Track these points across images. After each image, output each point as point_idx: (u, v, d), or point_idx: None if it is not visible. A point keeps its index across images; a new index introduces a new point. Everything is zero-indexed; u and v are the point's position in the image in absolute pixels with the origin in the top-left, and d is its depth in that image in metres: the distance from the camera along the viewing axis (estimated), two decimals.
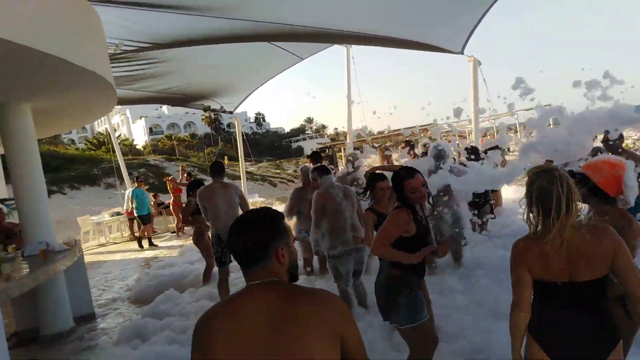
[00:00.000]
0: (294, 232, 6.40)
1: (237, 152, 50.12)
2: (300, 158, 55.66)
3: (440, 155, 5.20)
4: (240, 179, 14.82)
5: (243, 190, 6.76)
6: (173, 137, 59.23)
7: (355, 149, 11.12)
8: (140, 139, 66.35)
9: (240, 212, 5.23)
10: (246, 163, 38.26)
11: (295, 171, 34.52)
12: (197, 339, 1.41)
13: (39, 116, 5.55)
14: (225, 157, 39.00)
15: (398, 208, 2.90)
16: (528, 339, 2.09)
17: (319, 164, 5.53)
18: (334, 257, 4.47)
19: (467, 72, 8.47)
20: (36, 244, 4.94)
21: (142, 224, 10.76)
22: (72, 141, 61.14)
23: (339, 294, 4.60)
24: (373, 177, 4.11)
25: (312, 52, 10.66)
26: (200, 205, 5.34)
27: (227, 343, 1.34)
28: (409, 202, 2.88)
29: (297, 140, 71.54)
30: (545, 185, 1.93)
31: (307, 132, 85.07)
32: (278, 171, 33.28)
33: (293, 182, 29.74)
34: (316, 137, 73.42)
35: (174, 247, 10.28)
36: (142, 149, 52.85)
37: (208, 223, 5.63)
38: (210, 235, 6.10)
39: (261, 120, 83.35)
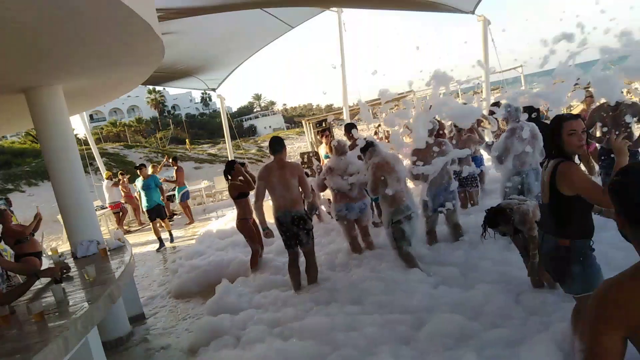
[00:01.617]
0: (331, 210, 6.12)
1: (187, 133, 48.20)
2: (257, 137, 54.51)
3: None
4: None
5: None
6: (118, 123, 55.95)
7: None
8: (80, 128, 62.06)
9: (299, 194, 4.88)
10: (204, 145, 36.91)
11: (258, 150, 33.74)
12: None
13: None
14: (187, 141, 37.36)
15: (563, 162, 2.58)
16: None
17: (366, 139, 5.24)
18: (399, 222, 4.82)
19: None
20: (87, 243, 4.41)
21: (159, 217, 9.15)
22: (4, 137, 56.28)
23: (400, 258, 4.87)
24: None
25: (302, 20, 10.21)
26: (257, 183, 4.95)
27: None
28: (568, 152, 2.64)
29: (249, 119, 69.84)
30: None
31: (255, 109, 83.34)
32: (241, 151, 32.47)
33: (262, 161, 29.06)
34: (268, 115, 72.20)
35: (183, 238, 9.74)
36: (82, 139, 49.48)
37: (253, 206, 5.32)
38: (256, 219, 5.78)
39: (207, 100, 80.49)
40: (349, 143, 6.07)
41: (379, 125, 14.03)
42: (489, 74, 8.72)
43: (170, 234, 9.39)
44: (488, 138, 7.37)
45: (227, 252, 6.91)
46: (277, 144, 4.92)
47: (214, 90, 12.37)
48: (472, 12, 8.03)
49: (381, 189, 4.89)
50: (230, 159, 6.78)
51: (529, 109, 5.39)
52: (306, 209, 5.08)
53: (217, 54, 10.50)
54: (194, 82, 11.77)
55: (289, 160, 5.05)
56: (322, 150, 8.57)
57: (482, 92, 10.15)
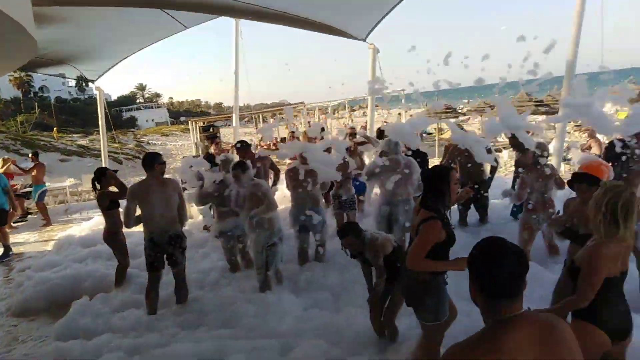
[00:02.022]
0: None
1: (56, 120, 43.24)
2: (136, 130, 50.88)
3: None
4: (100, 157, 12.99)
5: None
6: None
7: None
8: None
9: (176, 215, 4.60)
10: (75, 135, 33.37)
11: (137, 145, 31.43)
12: None
13: None
14: (55, 129, 33.17)
15: (432, 219, 2.81)
16: (590, 328, 2.40)
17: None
18: (274, 245, 4.88)
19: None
20: None
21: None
22: None
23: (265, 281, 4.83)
24: None
25: (198, 22, 9.81)
26: (127, 202, 4.59)
27: None
28: (449, 200, 2.93)
29: (130, 109, 64.88)
30: (628, 197, 2.25)
31: (138, 100, 77.94)
32: (117, 145, 29.90)
33: (139, 157, 27.09)
34: (152, 107, 67.85)
35: (33, 242, 8.59)
36: None
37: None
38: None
39: (83, 84, 73.01)
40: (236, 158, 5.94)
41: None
42: (374, 95, 9.18)
43: (6, 247, 7.75)
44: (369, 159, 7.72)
45: (87, 264, 6.25)
46: (151, 161, 4.55)
47: (92, 81, 11.25)
48: (364, 40, 8.44)
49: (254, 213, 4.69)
50: (101, 166, 6.14)
51: (417, 153, 5.82)
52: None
53: (100, 44, 9.59)
54: (69, 70, 10.61)
55: (167, 177, 4.75)
56: None
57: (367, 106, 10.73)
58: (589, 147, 8.32)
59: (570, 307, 2.43)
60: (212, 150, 9.56)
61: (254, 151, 7.17)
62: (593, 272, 2.31)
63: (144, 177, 4.64)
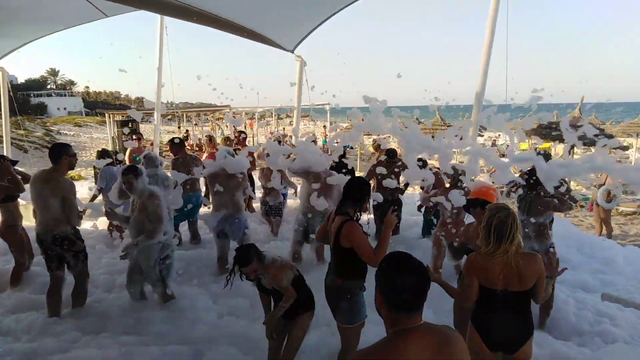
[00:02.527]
0: None
1: None
2: (45, 117, 46.92)
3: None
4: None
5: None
6: None
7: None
8: None
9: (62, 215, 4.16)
10: None
11: (46, 134, 29.06)
12: None
13: None
14: None
15: (350, 221, 3.06)
16: (471, 329, 2.73)
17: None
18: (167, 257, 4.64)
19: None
20: None
21: None
22: None
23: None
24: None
25: (120, 12, 9.39)
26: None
27: None
28: (361, 209, 3.19)
29: (40, 95, 59.66)
30: (503, 218, 2.57)
31: (49, 86, 72.00)
32: (22, 132, 27.39)
33: (47, 147, 25.07)
34: (65, 95, 62.94)
35: None
36: None
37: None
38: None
39: None
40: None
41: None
42: (300, 106, 9.39)
43: None
44: None
45: None
46: (55, 152, 4.22)
47: None
48: (292, 51, 8.60)
49: (147, 224, 4.30)
50: None
51: (340, 165, 6.04)
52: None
53: (5, 20, 8.81)
54: None
55: (61, 177, 4.28)
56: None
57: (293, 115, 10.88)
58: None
59: (454, 297, 2.87)
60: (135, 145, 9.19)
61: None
62: (465, 274, 2.72)
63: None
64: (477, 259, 2.66)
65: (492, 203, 2.94)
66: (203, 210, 6.90)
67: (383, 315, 1.74)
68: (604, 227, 8.50)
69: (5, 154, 9.30)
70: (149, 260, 4.38)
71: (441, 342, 1.67)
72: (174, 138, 6.67)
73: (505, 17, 5.97)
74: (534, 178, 4.05)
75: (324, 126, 27.88)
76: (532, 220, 4.15)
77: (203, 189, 7.24)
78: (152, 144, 9.66)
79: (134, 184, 4.28)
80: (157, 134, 11.06)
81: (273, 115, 33.68)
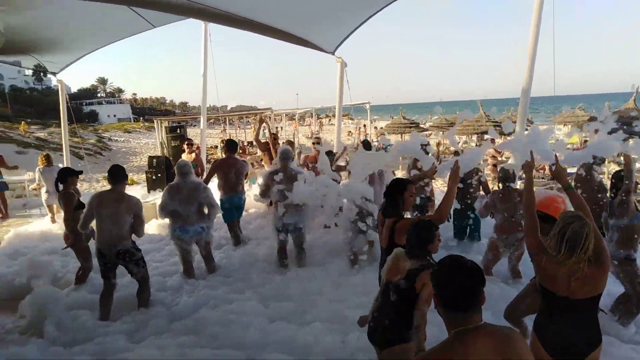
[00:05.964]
0: None
1: (10, 110, 41.24)
2: (97, 124, 49.25)
3: None
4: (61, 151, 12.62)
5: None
6: None
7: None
8: None
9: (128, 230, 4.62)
10: (32, 127, 31.98)
11: (98, 141, 30.47)
12: None
13: None
14: (23, 123, 31.09)
15: (403, 218, 3.25)
16: (533, 338, 2.66)
17: None
18: None
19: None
20: None
21: None
22: None
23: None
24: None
25: (166, 21, 9.74)
26: (87, 209, 4.70)
27: None
28: (404, 209, 3.30)
29: (91, 104, 62.68)
30: (577, 229, 2.44)
31: (99, 94, 75.51)
32: (77, 139, 28.86)
33: (101, 154, 26.33)
34: (114, 103, 65.82)
35: None
36: None
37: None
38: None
39: (41, 74, 69.88)
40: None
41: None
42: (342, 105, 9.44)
43: None
44: None
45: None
46: (115, 174, 4.67)
47: (54, 74, 10.92)
48: (332, 53, 8.62)
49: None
50: (66, 167, 6.07)
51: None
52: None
53: (63, 36, 9.34)
54: (28, 60, 10.24)
55: (128, 195, 4.73)
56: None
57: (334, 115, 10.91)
58: (543, 168, 8.82)
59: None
60: (185, 154, 9.55)
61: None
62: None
63: (105, 175, 4.68)
64: (547, 264, 2.53)
65: (563, 211, 2.76)
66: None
67: (442, 316, 1.81)
68: None
69: (64, 162, 9.97)
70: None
71: (503, 342, 1.69)
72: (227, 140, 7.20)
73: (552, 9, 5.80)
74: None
75: (364, 125, 27.70)
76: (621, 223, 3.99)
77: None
78: (198, 148, 9.97)
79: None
80: (203, 137, 11.42)
81: (313, 115, 33.84)
